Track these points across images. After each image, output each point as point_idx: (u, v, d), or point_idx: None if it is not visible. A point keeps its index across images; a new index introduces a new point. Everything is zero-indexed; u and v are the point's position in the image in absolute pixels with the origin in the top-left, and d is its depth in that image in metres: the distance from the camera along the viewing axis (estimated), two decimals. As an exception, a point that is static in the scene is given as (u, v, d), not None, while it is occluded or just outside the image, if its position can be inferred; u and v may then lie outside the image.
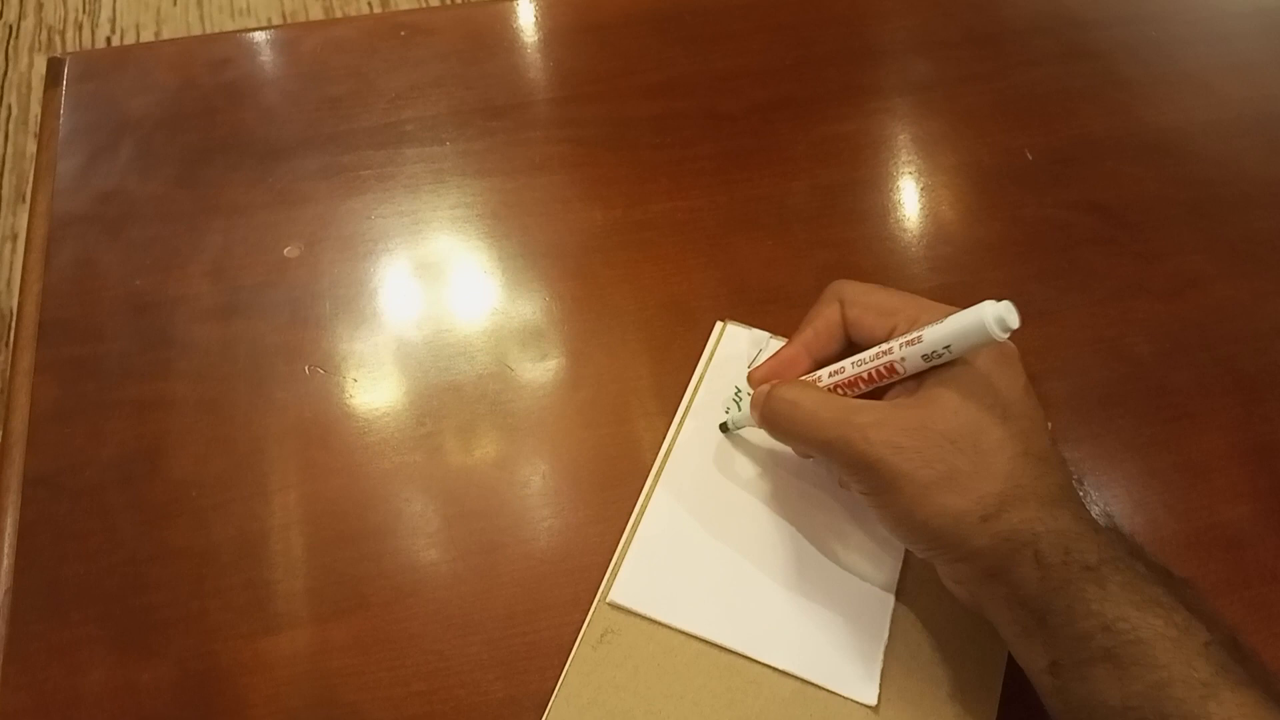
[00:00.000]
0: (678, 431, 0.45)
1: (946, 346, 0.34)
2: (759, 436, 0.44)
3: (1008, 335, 0.33)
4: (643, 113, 0.58)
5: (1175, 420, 0.47)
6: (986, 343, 0.33)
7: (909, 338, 0.35)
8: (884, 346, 0.36)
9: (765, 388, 0.39)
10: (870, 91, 0.60)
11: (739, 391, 0.46)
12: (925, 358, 0.35)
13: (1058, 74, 0.61)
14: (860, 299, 0.39)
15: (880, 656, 0.39)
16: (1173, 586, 0.33)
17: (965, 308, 0.36)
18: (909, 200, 0.56)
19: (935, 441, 0.34)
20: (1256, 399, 0.48)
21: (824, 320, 0.40)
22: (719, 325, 0.49)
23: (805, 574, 0.41)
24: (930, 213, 0.55)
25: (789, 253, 0.52)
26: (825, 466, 0.43)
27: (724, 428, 0.45)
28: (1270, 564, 0.42)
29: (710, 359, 0.47)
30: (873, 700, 0.38)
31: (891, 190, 0.56)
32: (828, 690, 0.38)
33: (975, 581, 0.35)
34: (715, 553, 0.41)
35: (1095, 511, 0.44)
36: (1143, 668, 0.31)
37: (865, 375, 0.37)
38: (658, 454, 0.44)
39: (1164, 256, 0.53)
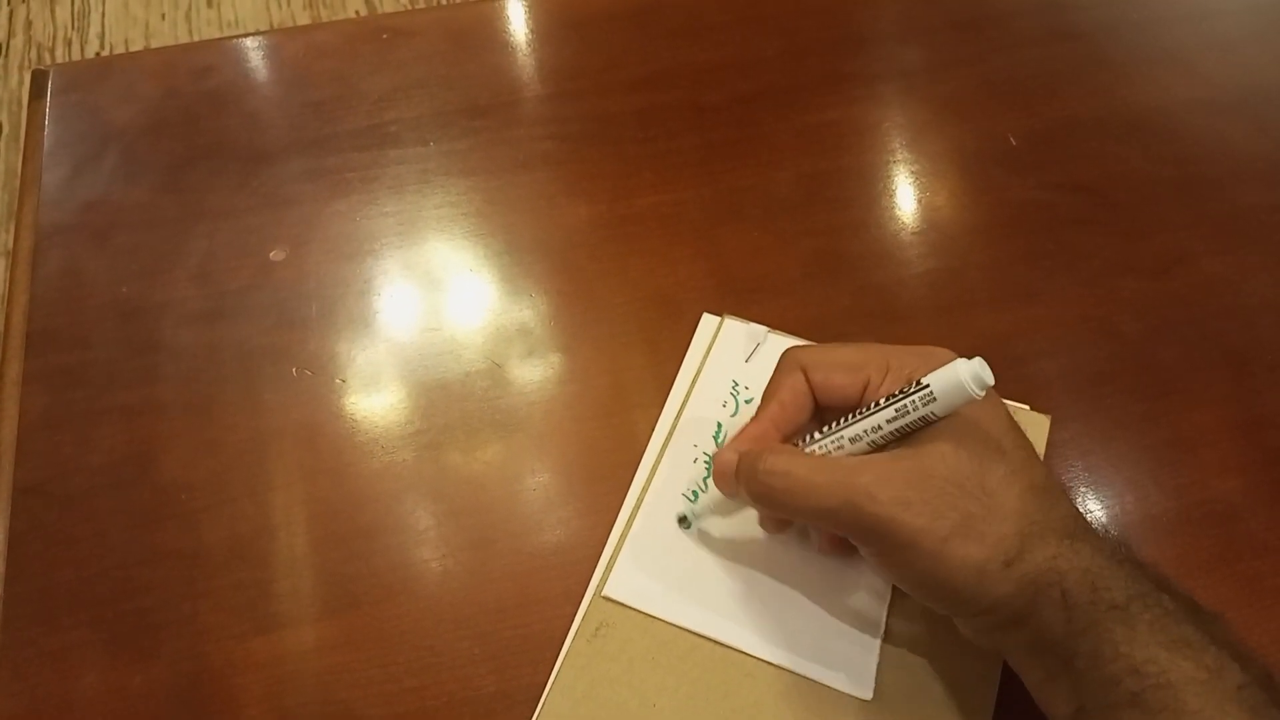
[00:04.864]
0: (673, 426, 0.45)
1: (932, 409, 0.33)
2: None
3: (985, 392, 0.32)
4: (625, 107, 0.58)
5: (1164, 396, 0.47)
6: (966, 403, 0.33)
7: (921, 395, 0.33)
8: (899, 406, 0.34)
9: (732, 459, 0.37)
10: (852, 79, 0.60)
11: (736, 385, 0.46)
12: (923, 419, 0.34)
13: (1040, 56, 0.61)
14: (823, 360, 0.37)
15: (876, 650, 0.39)
16: (1203, 623, 0.31)
17: (929, 345, 0.35)
18: (894, 187, 0.55)
19: (942, 489, 0.32)
20: (1245, 373, 0.48)
21: (789, 390, 0.37)
22: (706, 317, 0.49)
23: (801, 568, 0.41)
24: (916, 198, 0.55)
25: (775, 242, 0.52)
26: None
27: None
28: (1261, 537, 0.42)
29: (706, 353, 0.47)
30: (868, 694, 0.38)
31: (876, 177, 0.56)
32: (823, 684, 0.38)
33: (998, 630, 0.33)
34: (710, 547, 0.41)
35: (1094, 518, 0.44)
36: (1171, 714, 0.29)
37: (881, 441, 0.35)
38: (648, 447, 0.44)
39: (1150, 235, 0.53)
